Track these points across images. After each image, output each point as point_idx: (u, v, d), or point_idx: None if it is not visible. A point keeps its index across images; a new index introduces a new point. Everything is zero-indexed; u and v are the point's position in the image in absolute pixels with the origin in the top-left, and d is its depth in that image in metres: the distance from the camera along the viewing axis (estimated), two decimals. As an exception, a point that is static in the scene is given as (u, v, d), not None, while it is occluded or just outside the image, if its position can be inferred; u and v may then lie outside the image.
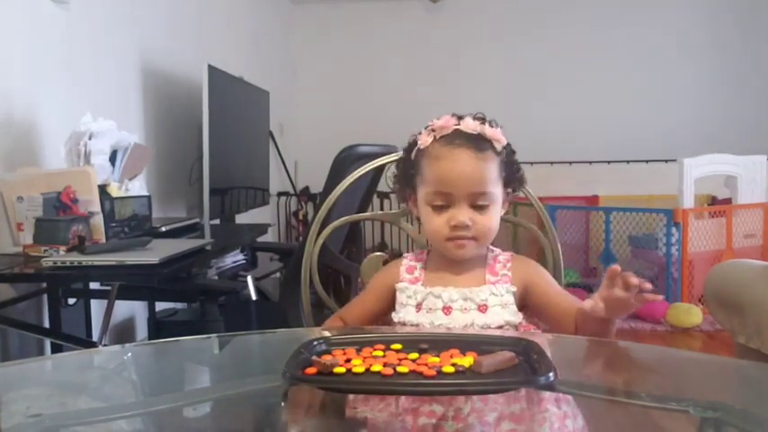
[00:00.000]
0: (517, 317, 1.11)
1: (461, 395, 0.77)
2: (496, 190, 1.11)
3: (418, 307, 1.12)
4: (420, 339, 0.88)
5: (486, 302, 1.10)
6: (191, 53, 3.30)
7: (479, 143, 1.09)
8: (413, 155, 1.15)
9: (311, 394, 0.79)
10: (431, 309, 1.11)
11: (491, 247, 1.18)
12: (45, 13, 2.21)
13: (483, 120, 1.13)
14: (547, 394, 0.77)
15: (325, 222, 1.40)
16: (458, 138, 1.10)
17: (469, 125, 1.10)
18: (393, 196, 1.24)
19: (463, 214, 1.08)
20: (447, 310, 1.10)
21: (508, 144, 1.14)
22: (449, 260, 1.14)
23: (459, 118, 1.12)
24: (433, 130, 1.12)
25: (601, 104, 5.41)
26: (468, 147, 1.09)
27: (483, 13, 5.47)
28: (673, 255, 3.77)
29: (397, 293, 1.15)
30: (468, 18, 5.48)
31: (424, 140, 1.12)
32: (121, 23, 2.73)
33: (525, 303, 1.14)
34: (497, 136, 1.11)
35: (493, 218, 1.11)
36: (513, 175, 1.15)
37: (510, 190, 1.16)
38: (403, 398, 0.76)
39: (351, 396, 0.79)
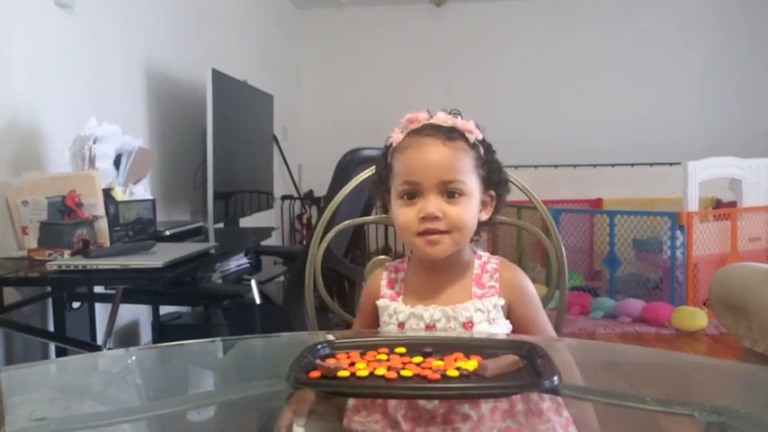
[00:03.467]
0: (506, 328, 1.07)
1: (466, 399, 0.77)
2: (470, 181, 1.05)
3: (400, 326, 1.07)
4: (424, 343, 0.88)
5: (471, 320, 1.04)
6: (195, 57, 3.30)
7: (450, 133, 1.05)
8: (388, 156, 1.10)
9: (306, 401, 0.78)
10: (414, 329, 1.06)
11: (479, 252, 1.12)
12: (49, 17, 2.22)
13: (456, 114, 1.09)
14: (546, 404, 0.77)
15: (328, 226, 1.40)
16: (427, 129, 1.06)
17: (441, 118, 1.07)
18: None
19: (432, 204, 1.02)
20: (430, 329, 1.05)
21: (486, 141, 1.09)
22: (430, 269, 1.08)
23: (432, 115, 1.09)
24: (405, 127, 1.09)
25: (605, 108, 5.41)
26: (436, 136, 1.04)
27: (486, 16, 5.47)
28: (677, 258, 3.76)
29: (379, 311, 1.10)
30: (472, 22, 5.48)
31: (396, 137, 1.09)
32: (126, 28, 2.73)
33: (508, 315, 1.09)
34: (469, 127, 1.06)
35: (466, 209, 1.04)
36: (492, 175, 1.09)
37: (492, 193, 1.10)
38: (400, 417, 0.75)
39: (350, 405, 0.79)
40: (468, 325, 1.04)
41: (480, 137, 1.08)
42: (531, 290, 1.10)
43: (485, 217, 1.09)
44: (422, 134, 1.05)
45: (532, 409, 0.77)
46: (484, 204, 1.09)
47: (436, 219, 1.02)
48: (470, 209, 1.05)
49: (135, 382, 1.02)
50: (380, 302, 1.10)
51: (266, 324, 2.35)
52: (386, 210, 1.15)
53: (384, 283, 1.12)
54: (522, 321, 1.08)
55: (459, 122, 1.07)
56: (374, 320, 1.12)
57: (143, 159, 2.24)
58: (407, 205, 1.04)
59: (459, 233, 1.04)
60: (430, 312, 1.05)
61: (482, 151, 1.08)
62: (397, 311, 1.07)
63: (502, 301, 1.06)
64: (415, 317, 1.06)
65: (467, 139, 1.06)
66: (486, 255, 1.12)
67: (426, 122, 1.07)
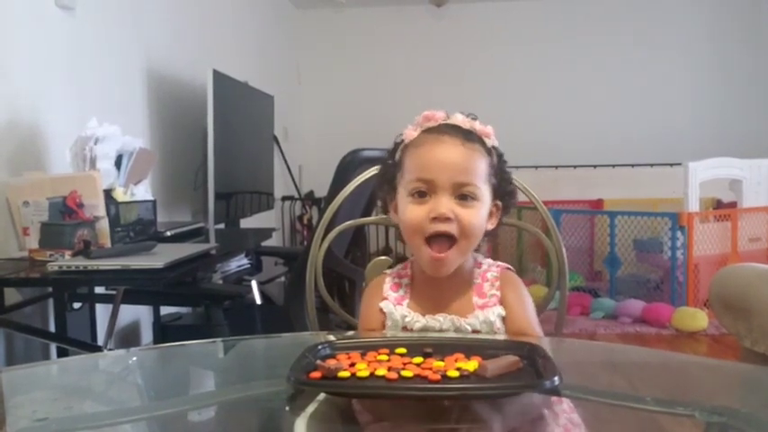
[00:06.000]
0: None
1: (466, 399, 0.77)
2: (484, 187, 1.02)
3: (406, 330, 1.05)
4: (425, 343, 0.88)
5: (478, 330, 1.03)
6: (195, 58, 3.31)
7: (468, 134, 1.02)
8: (397, 154, 1.07)
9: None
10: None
11: (479, 259, 1.10)
12: (51, 18, 2.22)
13: (474, 118, 1.06)
14: (546, 410, 0.77)
15: (329, 226, 1.40)
16: (445, 128, 1.03)
17: (458, 119, 1.05)
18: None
19: (444, 205, 0.98)
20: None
21: (499, 150, 1.07)
22: (434, 278, 1.05)
23: (449, 116, 1.07)
24: (420, 125, 1.06)
25: (605, 108, 5.41)
26: (454, 135, 1.02)
27: (487, 17, 5.47)
28: (678, 258, 3.76)
29: (386, 314, 1.07)
30: (473, 22, 5.48)
31: (410, 134, 1.06)
32: (126, 28, 2.74)
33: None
34: (488, 132, 1.05)
35: (478, 214, 1.01)
36: (503, 185, 1.07)
37: (499, 203, 1.07)
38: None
39: (356, 407, 0.79)
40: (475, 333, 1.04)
41: (496, 143, 1.06)
42: (526, 293, 1.09)
43: (490, 227, 1.07)
44: (439, 132, 1.03)
45: (532, 411, 0.77)
46: (490, 214, 1.06)
47: (447, 220, 0.99)
48: (481, 215, 1.02)
49: (136, 383, 1.02)
50: (384, 305, 1.07)
51: (267, 324, 2.35)
52: (386, 210, 1.12)
53: (388, 286, 1.10)
54: (512, 316, 1.06)
55: (477, 126, 1.05)
56: (380, 324, 1.09)
57: (144, 160, 2.24)
58: (417, 203, 1.01)
59: (467, 241, 1.01)
60: (440, 323, 1.04)
61: (495, 159, 1.06)
62: (404, 316, 1.06)
63: (504, 313, 1.04)
64: (428, 327, 1.04)
65: (484, 144, 1.04)
66: (486, 262, 1.10)
67: (444, 122, 1.05)
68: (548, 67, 5.44)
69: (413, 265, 1.11)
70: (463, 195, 1.00)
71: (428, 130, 1.05)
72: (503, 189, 1.07)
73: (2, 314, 1.82)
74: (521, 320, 1.05)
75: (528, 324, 1.05)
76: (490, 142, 1.05)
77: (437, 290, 1.07)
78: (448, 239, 1.01)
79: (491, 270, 1.08)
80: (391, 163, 1.09)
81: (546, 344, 0.97)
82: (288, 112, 4.93)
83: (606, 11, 5.39)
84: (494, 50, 5.48)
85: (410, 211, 1.02)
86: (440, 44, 5.52)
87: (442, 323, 1.04)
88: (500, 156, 1.08)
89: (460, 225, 1.00)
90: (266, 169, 3.85)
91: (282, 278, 3.23)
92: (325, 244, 1.37)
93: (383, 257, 1.35)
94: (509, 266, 1.11)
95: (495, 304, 1.05)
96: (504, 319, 1.05)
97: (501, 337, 1.03)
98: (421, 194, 1.01)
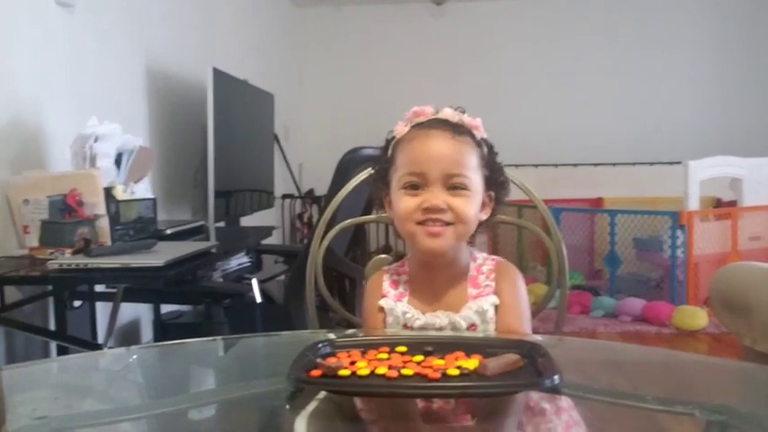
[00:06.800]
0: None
1: (466, 398, 0.77)
2: (475, 178, 1.04)
3: (406, 327, 1.06)
4: (425, 342, 0.88)
5: (474, 323, 1.05)
6: (196, 56, 3.30)
7: (457, 127, 1.05)
8: (389, 151, 1.09)
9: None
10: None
11: (475, 253, 1.11)
12: (50, 16, 2.22)
13: (462, 111, 1.09)
14: (547, 406, 0.77)
15: (329, 225, 1.40)
16: (434, 122, 1.06)
17: (447, 113, 1.07)
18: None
19: (437, 197, 1.01)
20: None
21: (489, 142, 1.09)
22: (430, 270, 1.07)
23: (438, 111, 1.09)
24: (410, 120, 1.08)
25: (605, 107, 5.40)
26: (444, 129, 1.04)
27: (487, 16, 5.47)
28: (678, 257, 3.76)
29: (386, 312, 1.08)
30: (473, 21, 5.48)
31: (400, 130, 1.08)
32: (127, 27, 2.73)
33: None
34: (476, 124, 1.07)
35: (470, 202, 1.03)
36: (494, 176, 1.09)
37: (492, 194, 1.09)
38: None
39: (359, 405, 0.79)
40: (473, 327, 1.05)
41: (485, 135, 1.08)
42: (522, 285, 1.09)
43: (483, 217, 1.08)
44: (429, 127, 1.05)
45: (534, 408, 0.77)
46: (483, 205, 1.08)
47: (441, 211, 1.01)
48: (474, 204, 1.04)
49: (136, 381, 1.02)
50: (384, 302, 1.08)
51: (267, 323, 2.35)
52: (383, 206, 1.13)
53: (387, 284, 1.11)
54: (503, 308, 1.06)
55: (466, 119, 1.07)
56: (382, 322, 1.09)
57: (144, 158, 2.24)
58: (410, 195, 1.03)
59: (463, 225, 1.03)
60: (439, 319, 1.05)
61: (485, 151, 1.08)
62: (404, 313, 1.06)
63: (498, 301, 1.06)
64: (427, 325, 1.05)
65: (473, 136, 1.06)
66: (481, 256, 1.11)
67: (433, 116, 1.07)
68: (548, 65, 5.43)
69: (409, 262, 1.13)
70: (454, 186, 1.02)
71: (418, 125, 1.07)
72: (494, 180, 1.09)
73: (2, 312, 1.82)
74: (511, 313, 1.06)
75: (518, 318, 1.06)
76: (479, 134, 1.07)
77: (434, 284, 1.08)
78: (444, 223, 1.02)
79: (486, 264, 1.10)
80: (384, 159, 1.11)
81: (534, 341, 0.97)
82: (288, 110, 4.92)
83: (606, 9, 5.38)
84: (494, 48, 5.47)
85: (403, 202, 1.04)
86: (440, 42, 5.52)
87: (441, 320, 1.05)
88: (490, 147, 1.09)
89: (454, 212, 1.02)
90: (266, 167, 3.84)
91: (283, 276, 3.23)
92: (326, 242, 1.37)
93: (383, 255, 1.35)
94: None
95: (488, 294, 1.06)
96: (496, 309, 1.05)
97: (498, 334, 1.04)
98: (413, 187, 1.03)
